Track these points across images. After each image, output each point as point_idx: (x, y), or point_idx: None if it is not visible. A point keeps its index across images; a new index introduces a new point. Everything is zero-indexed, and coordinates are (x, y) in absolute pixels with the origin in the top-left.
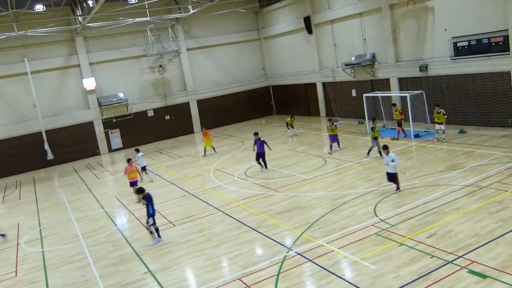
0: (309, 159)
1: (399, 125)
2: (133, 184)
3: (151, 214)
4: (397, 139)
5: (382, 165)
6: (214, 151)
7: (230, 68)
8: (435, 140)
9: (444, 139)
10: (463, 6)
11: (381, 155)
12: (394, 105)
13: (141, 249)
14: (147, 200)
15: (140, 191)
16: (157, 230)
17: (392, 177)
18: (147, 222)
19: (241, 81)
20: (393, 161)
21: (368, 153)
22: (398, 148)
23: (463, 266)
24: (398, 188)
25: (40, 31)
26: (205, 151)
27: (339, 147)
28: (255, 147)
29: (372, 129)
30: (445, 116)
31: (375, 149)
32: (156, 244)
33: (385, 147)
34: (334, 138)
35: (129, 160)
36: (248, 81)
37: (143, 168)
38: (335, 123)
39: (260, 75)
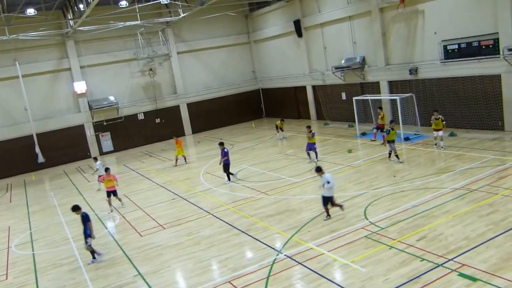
0: (298, 162)
1: (380, 129)
2: (111, 193)
3: (88, 234)
4: (375, 140)
5: (373, 168)
6: (185, 160)
7: (220, 71)
8: (436, 146)
9: (442, 147)
10: (453, 9)
11: (398, 158)
12: (381, 108)
13: (132, 252)
14: (84, 219)
15: (75, 209)
16: (92, 253)
17: (326, 201)
18: (86, 243)
19: (231, 84)
20: (328, 182)
21: (389, 157)
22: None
23: (453, 269)
24: (328, 215)
25: (32, 34)
26: (176, 160)
27: (316, 157)
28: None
29: (387, 132)
30: (444, 122)
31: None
32: (91, 264)
33: (319, 169)
34: (310, 147)
35: (107, 169)
36: (238, 85)
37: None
38: (312, 131)
39: (250, 79)
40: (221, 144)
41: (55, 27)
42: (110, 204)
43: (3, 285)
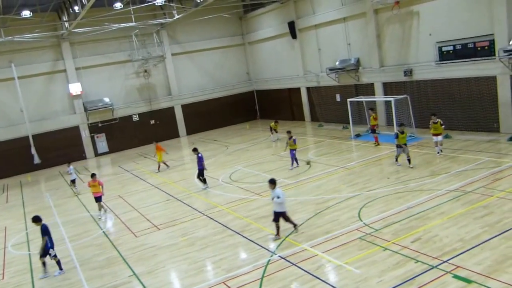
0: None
1: (373, 131)
2: (97, 199)
3: (48, 247)
4: (378, 144)
5: (367, 170)
6: (158, 169)
7: (214, 73)
8: (438, 154)
9: (440, 151)
10: (448, 11)
11: (397, 160)
12: (372, 109)
13: (127, 253)
14: (44, 232)
15: (35, 220)
16: (58, 263)
17: (277, 217)
18: (49, 254)
19: (226, 86)
20: (278, 197)
21: (409, 161)
22: (383, 153)
23: (448, 271)
24: (278, 233)
25: (27, 36)
26: (165, 164)
27: (292, 165)
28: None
29: (395, 135)
30: (443, 126)
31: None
32: (59, 275)
33: (272, 181)
34: (292, 154)
35: (93, 175)
36: (232, 86)
37: (73, 181)
38: (293, 137)
39: (244, 80)
40: (195, 150)
41: (50, 29)
42: (99, 209)
43: None
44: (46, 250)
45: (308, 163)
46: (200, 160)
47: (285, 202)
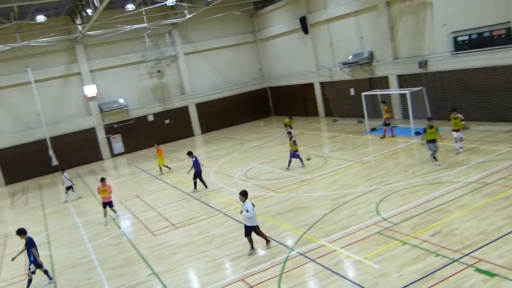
0: (308, 159)
1: (386, 124)
2: (106, 204)
3: (32, 260)
4: (384, 137)
5: (384, 163)
6: (168, 168)
7: (227, 71)
8: (457, 151)
9: (460, 148)
10: (462, 0)
11: (435, 160)
12: (384, 102)
13: (145, 252)
14: (29, 244)
15: (20, 232)
16: (29, 281)
17: (248, 231)
18: (29, 269)
19: (239, 83)
20: (247, 211)
21: (435, 159)
22: (399, 146)
23: (469, 264)
24: (252, 248)
25: (42, 41)
26: (161, 169)
27: (302, 163)
28: (195, 166)
29: (423, 130)
30: (463, 122)
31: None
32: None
33: (243, 194)
34: (293, 155)
35: (102, 179)
36: (245, 84)
37: (68, 188)
38: (293, 138)
39: (257, 77)
40: (190, 153)
41: (65, 32)
42: (105, 215)
43: (22, 284)
44: (39, 262)
45: (309, 159)
46: (194, 164)
47: (255, 216)
